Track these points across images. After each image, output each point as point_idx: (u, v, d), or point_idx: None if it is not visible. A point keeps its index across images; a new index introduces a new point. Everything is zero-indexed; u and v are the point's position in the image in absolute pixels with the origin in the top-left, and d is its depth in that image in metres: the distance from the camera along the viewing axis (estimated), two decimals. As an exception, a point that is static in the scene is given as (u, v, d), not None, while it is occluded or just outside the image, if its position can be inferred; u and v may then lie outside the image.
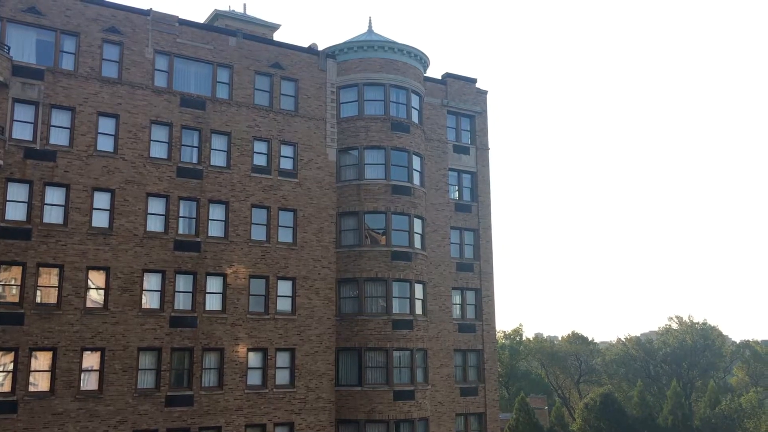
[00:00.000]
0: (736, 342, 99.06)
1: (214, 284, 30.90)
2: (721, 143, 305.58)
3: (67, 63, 29.46)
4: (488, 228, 40.21)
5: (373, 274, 34.47)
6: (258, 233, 32.28)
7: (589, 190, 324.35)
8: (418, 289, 35.60)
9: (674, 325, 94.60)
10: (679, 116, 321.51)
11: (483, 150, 40.91)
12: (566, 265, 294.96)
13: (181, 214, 30.69)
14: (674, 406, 66.94)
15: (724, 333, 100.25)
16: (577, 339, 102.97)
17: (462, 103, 40.46)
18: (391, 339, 33.93)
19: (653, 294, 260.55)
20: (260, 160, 32.94)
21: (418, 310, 35.39)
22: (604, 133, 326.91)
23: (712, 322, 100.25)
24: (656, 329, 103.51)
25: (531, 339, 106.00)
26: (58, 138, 28.73)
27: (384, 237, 35.20)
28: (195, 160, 31.43)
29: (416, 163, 36.75)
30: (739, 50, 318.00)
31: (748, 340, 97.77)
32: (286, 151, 33.67)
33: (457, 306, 38.90)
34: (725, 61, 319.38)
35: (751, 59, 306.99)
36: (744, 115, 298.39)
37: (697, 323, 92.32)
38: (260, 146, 33.03)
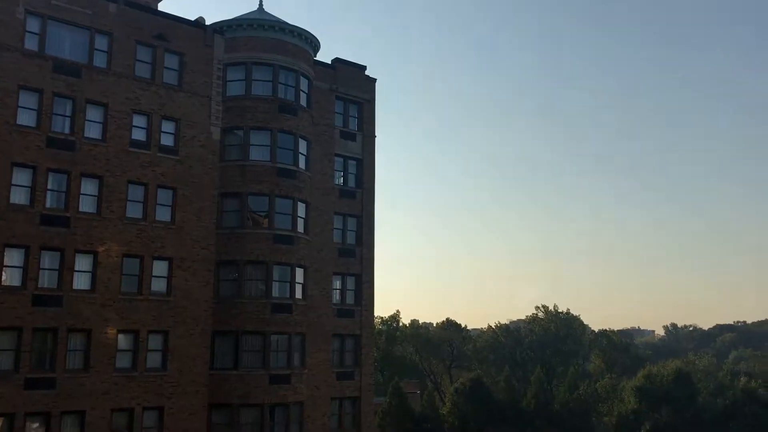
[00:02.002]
0: (594, 331, 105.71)
1: (83, 262, 29.29)
2: (612, 132, 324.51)
3: (-77, 15, 26.82)
4: (371, 215, 40.66)
5: (254, 256, 33.99)
6: (134, 210, 30.89)
7: (469, 180, 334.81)
8: (299, 274, 35.48)
9: (540, 314, 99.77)
10: (563, 109, 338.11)
11: (370, 137, 41.25)
12: (445, 253, 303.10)
13: (49, 187, 28.84)
14: (537, 391, 70.70)
15: (585, 323, 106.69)
16: (450, 326, 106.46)
17: (351, 90, 40.55)
18: (270, 323, 33.65)
19: (523, 284, 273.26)
20: (139, 135, 31.49)
21: (299, 295, 35.30)
22: (486, 124, 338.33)
23: (574, 312, 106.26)
24: (524, 318, 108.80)
25: (407, 325, 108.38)
26: None
27: (267, 220, 34.78)
28: (67, 131, 29.58)
29: (302, 146, 36.51)
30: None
31: (606, 330, 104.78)
32: (168, 126, 32.35)
33: (338, 291, 39.13)
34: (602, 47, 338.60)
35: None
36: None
37: (561, 313, 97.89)
38: (140, 120, 31.56)
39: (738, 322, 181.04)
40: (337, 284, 39.17)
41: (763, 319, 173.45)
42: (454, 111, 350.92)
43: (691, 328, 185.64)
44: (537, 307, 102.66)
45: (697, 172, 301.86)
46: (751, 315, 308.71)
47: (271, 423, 32.93)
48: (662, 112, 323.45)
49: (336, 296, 38.96)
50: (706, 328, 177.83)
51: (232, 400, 32.42)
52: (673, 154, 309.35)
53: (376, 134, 41.58)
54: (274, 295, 34.19)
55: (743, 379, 63.16)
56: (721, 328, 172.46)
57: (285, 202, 35.14)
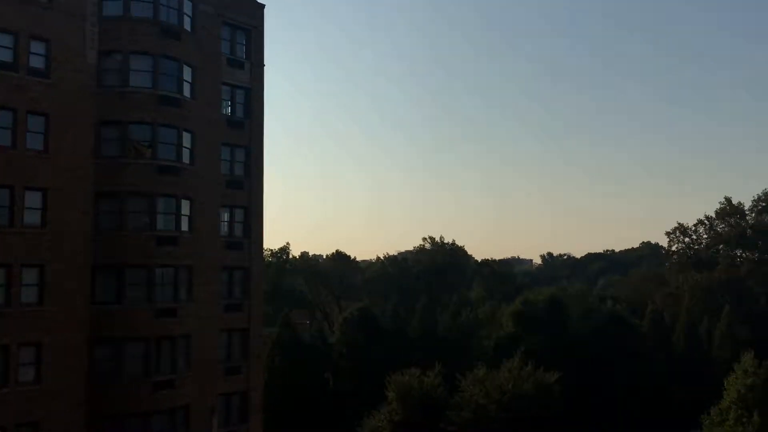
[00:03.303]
0: (478, 261, 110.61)
1: (-55, 193, 27.20)
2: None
3: None
4: (260, 146, 39.95)
5: (136, 188, 32.74)
6: (2, 138, 28.76)
7: (359, 112, 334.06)
8: (185, 206, 34.59)
9: (427, 245, 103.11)
10: (456, 36, 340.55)
11: (258, 66, 40.08)
12: (334, 185, 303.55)
13: None
14: (422, 318, 73.70)
15: (469, 253, 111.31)
16: (340, 258, 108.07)
17: (238, 15, 38.96)
18: (155, 256, 32.82)
19: (412, 216, 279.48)
20: (5, 56, 28.96)
21: (185, 227, 34.52)
22: (378, 56, 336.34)
23: (459, 243, 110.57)
24: (412, 249, 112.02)
25: (297, 257, 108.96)
26: None
27: (150, 150, 33.43)
28: None
29: (187, 73, 34.99)
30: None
31: (488, 259, 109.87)
32: (38, 48, 29.89)
33: (226, 223, 38.57)
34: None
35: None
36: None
37: (447, 244, 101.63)
38: (5, 39, 28.97)
39: (607, 251, 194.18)
40: (225, 216, 38.57)
41: (629, 247, 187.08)
42: (346, 38, 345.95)
43: (565, 257, 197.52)
44: (424, 239, 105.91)
45: (570, 103, 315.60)
46: (619, 244, 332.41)
47: (157, 356, 32.57)
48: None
49: (224, 228, 38.41)
50: (578, 256, 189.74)
51: (116, 334, 31.70)
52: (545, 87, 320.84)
53: (265, 63, 40.48)
54: (158, 227, 33.23)
55: (609, 304, 68.49)
56: (592, 257, 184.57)
57: (169, 131, 33.80)
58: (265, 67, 40.39)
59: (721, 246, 77.29)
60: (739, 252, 76.78)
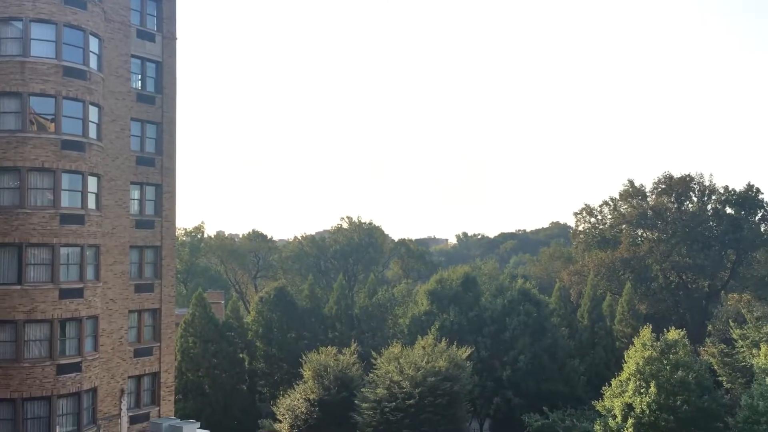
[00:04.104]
0: (395, 240, 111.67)
1: None
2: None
3: None
4: (172, 122, 38.85)
5: (38, 163, 31.24)
6: None
7: (278, 88, 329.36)
8: (92, 182, 33.29)
9: (345, 225, 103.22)
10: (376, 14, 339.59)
11: (170, 39, 38.84)
12: (252, 163, 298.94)
13: None
14: (338, 297, 73.94)
15: (386, 232, 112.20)
16: (257, 237, 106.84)
17: (149, -15, 37.55)
18: (59, 234, 31.51)
19: (330, 196, 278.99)
20: None
21: (91, 205, 33.25)
22: (297, 30, 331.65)
23: (377, 223, 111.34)
24: (329, 228, 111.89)
25: (212, 236, 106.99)
26: None
27: (53, 124, 31.92)
28: None
29: (94, 44, 33.49)
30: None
31: (405, 239, 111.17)
32: (-74, 11, 28.01)
33: (136, 201, 37.46)
34: None
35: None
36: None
37: (364, 223, 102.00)
38: None
39: (519, 230, 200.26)
40: (136, 194, 37.42)
41: (540, 227, 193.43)
42: (265, 11, 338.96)
43: (479, 237, 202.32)
44: (342, 218, 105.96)
45: (479, 89, 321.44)
46: (530, 224, 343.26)
47: (62, 338, 31.42)
48: None
49: (134, 207, 37.26)
50: (492, 236, 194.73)
51: (17, 316, 30.34)
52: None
53: (177, 36, 39.22)
54: (63, 205, 31.86)
55: (519, 281, 70.63)
56: (504, 236, 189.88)
57: (74, 104, 32.32)
58: (178, 40, 39.20)
59: (623, 226, 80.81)
60: (640, 231, 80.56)
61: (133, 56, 36.91)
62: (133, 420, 35.93)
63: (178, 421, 36.33)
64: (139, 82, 37.76)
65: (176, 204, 39.12)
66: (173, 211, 38.98)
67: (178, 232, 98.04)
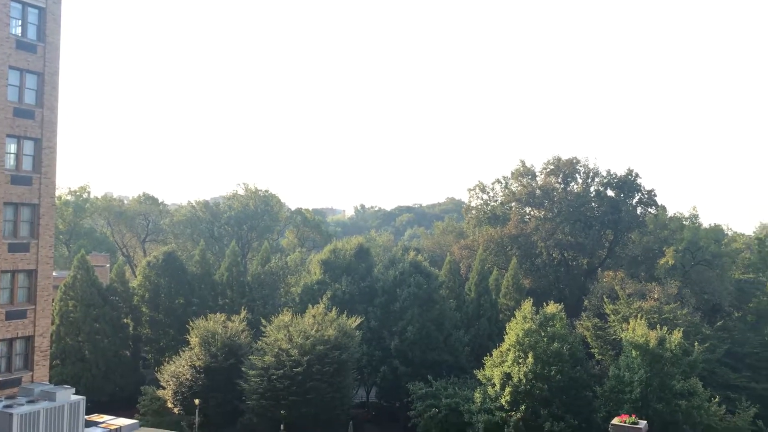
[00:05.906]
0: (291, 209, 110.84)
1: None
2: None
3: None
4: (55, 72, 36.62)
5: None
6: None
7: (178, 45, 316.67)
8: (-39, 133, 30.98)
9: (241, 192, 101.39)
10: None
11: (55, -16, 36.40)
12: (145, 124, 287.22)
13: None
14: (231, 264, 72.84)
15: (283, 201, 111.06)
16: (147, 200, 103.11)
17: (32, -76, 34.97)
18: None
19: (226, 161, 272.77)
20: None
21: (-40, 157, 30.98)
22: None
23: (274, 191, 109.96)
24: (225, 194, 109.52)
25: (99, 198, 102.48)
26: None
27: None
28: None
29: (-33, -17, 30.94)
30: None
31: (301, 208, 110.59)
32: None
33: (12, 155, 35.20)
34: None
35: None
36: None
37: (261, 191, 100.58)
38: None
39: (416, 204, 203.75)
40: (12, 148, 35.12)
41: (436, 202, 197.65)
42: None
43: (376, 209, 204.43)
44: (238, 184, 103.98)
45: (392, 68, 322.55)
46: (427, 198, 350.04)
47: (-77, 298, 29.31)
48: None
49: (10, 161, 35.00)
50: (389, 209, 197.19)
51: None
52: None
53: (63, -19, 36.82)
54: (-73, 155, 29.52)
55: (412, 253, 72.04)
56: (401, 209, 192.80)
57: (-58, 47, 29.85)
58: (63, -14, 36.79)
59: (513, 203, 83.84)
60: (528, 209, 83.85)
61: (12, 0, 34.41)
62: (2, 385, 34.16)
63: (51, 386, 34.83)
64: (19, 28, 35.29)
65: (57, 160, 37.09)
66: (53, 168, 36.92)
67: (60, 191, 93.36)
